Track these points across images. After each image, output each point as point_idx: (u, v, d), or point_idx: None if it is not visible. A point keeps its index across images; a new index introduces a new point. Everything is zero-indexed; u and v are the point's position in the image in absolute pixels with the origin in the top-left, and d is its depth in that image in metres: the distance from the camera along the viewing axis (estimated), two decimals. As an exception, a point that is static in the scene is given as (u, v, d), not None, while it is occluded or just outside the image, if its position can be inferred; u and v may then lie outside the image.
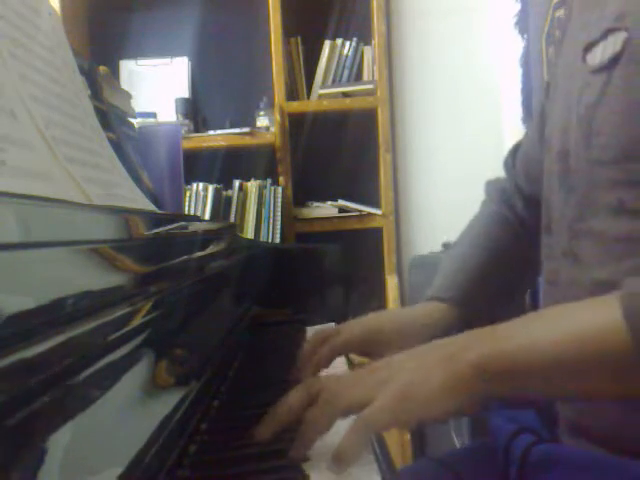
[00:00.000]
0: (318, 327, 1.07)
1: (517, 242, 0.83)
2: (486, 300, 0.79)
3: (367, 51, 2.27)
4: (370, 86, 2.21)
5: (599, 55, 0.59)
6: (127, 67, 2.31)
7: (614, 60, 0.57)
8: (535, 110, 0.81)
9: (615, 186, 0.57)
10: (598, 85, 0.58)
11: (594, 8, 0.62)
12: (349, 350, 0.74)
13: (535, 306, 1.36)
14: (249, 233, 2.13)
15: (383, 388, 0.50)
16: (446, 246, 2.04)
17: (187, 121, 2.23)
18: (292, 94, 2.25)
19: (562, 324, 0.51)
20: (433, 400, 0.50)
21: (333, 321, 1.12)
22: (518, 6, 1.99)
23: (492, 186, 0.90)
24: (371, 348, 0.73)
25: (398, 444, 1.99)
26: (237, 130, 2.17)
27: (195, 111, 2.33)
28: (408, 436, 2.01)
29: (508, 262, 0.82)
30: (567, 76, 0.66)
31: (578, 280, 0.61)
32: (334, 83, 2.25)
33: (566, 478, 0.61)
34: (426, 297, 0.79)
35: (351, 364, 0.80)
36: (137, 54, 2.30)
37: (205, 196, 2.14)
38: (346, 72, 2.26)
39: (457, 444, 1.65)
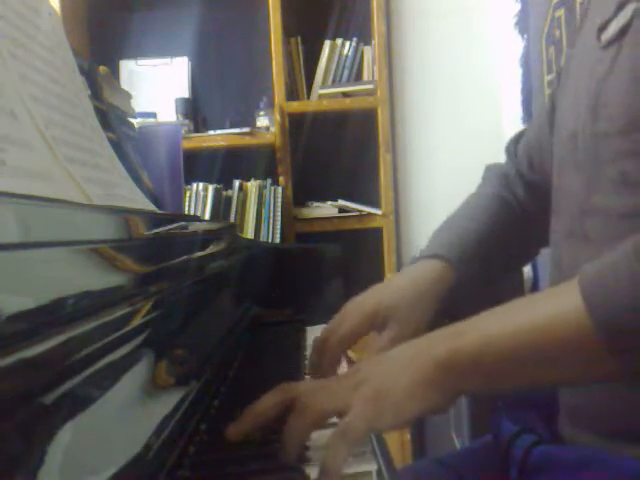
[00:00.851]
0: (318, 327, 1.07)
1: (515, 222, 0.82)
2: (482, 268, 0.77)
3: (367, 51, 2.27)
4: (370, 86, 2.21)
5: (612, 30, 0.59)
6: (127, 67, 2.31)
7: (623, 31, 0.57)
8: (536, 106, 0.82)
9: (619, 159, 0.57)
10: (608, 59, 0.59)
11: None
12: (357, 338, 0.71)
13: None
14: (249, 233, 2.13)
15: (354, 395, 0.50)
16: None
17: (187, 121, 2.23)
18: (292, 94, 2.25)
19: (524, 314, 0.51)
20: (404, 402, 0.50)
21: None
22: (518, 6, 1.99)
23: (492, 171, 0.89)
24: (379, 325, 0.70)
25: (398, 444, 1.99)
26: (237, 130, 2.17)
27: (195, 111, 2.33)
28: (408, 436, 2.01)
29: (505, 238, 0.81)
30: (581, 60, 0.66)
31: (580, 261, 0.62)
32: (334, 83, 2.25)
33: (570, 479, 0.61)
34: (422, 255, 0.77)
35: (350, 362, 0.79)
36: (137, 54, 2.30)
37: (205, 196, 2.14)
38: (346, 72, 2.26)
39: (457, 444, 1.65)
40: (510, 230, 0.81)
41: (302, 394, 0.52)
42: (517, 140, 0.87)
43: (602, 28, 0.61)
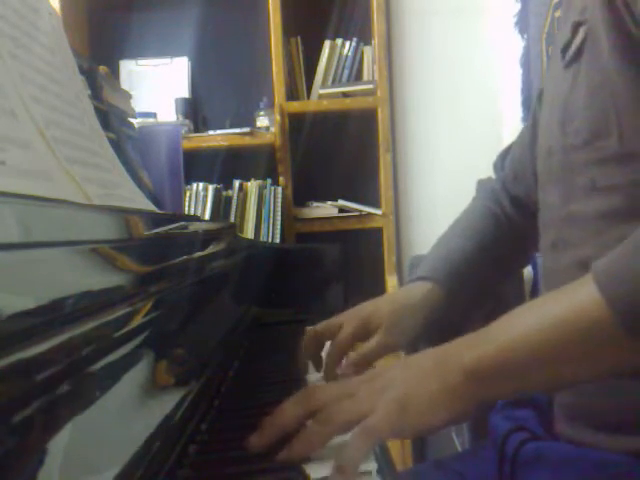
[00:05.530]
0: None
1: (501, 234, 0.86)
2: (469, 285, 0.82)
3: (367, 51, 2.27)
4: (370, 86, 2.21)
5: (571, 51, 0.64)
6: (127, 67, 2.31)
7: (580, 52, 0.62)
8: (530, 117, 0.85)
9: (588, 168, 0.61)
10: (570, 78, 0.63)
11: (567, 7, 0.68)
12: (355, 341, 0.76)
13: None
14: (249, 233, 2.13)
15: (379, 399, 0.50)
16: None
17: (187, 121, 2.23)
18: (292, 94, 2.25)
19: (541, 313, 0.52)
20: (429, 410, 0.50)
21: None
22: (518, 6, 1.99)
23: (482, 185, 0.94)
24: (370, 333, 0.76)
25: (398, 445, 1.99)
26: (237, 130, 2.17)
27: (195, 111, 2.32)
28: (408, 436, 2.01)
29: (491, 252, 0.85)
30: (552, 78, 0.71)
31: (560, 267, 0.66)
32: (334, 83, 2.25)
33: (556, 474, 0.62)
34: (412, 278, 0.83)
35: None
36: (137, 54, 2.30)
37: (205, 196, 2.14)
38: (346, 72, 2.26)
39: (457, 446, 1.64)
40: (498, 243, 0.85)
41: (326, 404, 0.51)
42: (504, 156, 0.91)
43: (565, 49, 0.65)
